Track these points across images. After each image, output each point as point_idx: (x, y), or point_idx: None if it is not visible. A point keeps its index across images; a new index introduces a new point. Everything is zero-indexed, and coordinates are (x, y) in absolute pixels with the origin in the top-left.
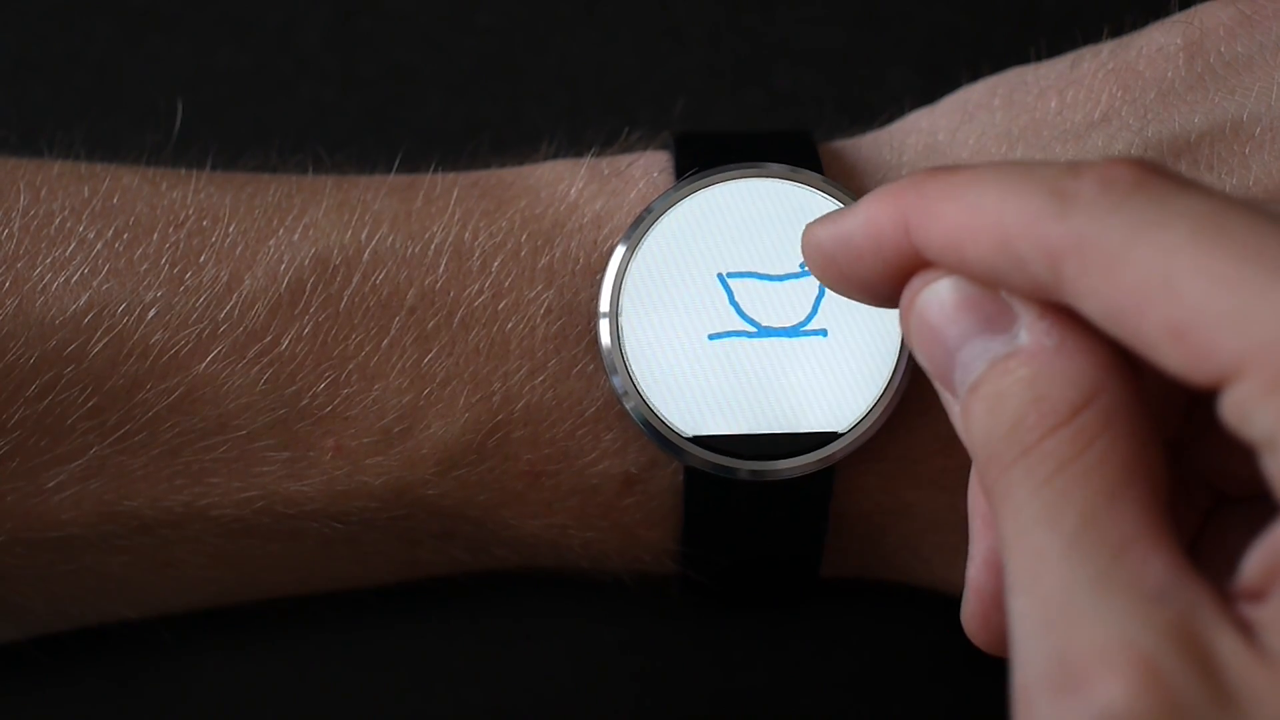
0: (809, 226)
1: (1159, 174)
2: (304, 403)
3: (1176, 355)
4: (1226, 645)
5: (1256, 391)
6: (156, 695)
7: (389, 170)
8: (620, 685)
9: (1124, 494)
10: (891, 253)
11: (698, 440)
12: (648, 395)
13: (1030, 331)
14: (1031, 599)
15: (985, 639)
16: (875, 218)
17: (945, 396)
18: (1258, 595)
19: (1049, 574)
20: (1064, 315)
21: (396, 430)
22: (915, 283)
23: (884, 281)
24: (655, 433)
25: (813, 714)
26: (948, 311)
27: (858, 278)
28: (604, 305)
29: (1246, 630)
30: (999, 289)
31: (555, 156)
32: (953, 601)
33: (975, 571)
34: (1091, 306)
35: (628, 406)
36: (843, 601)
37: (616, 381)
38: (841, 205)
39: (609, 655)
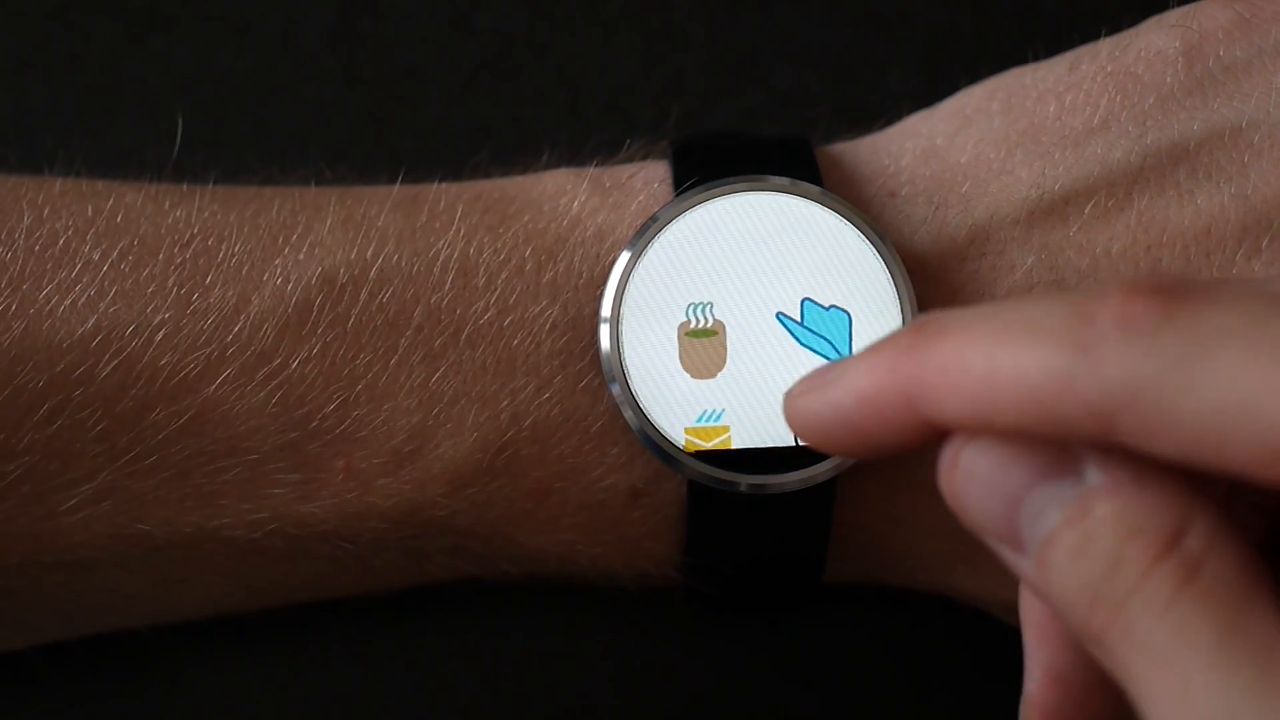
0: (793, 398)
1: (1176, 294)
2: (314, 424)
3: (1277, 474)
4: None
5: None
6: (158, 697)
7: (391, 177)
8: (622, 690)
9: (1252, 601)
10: (898, 423)
11: (698, 454)
12: (647, 409)
13: (1100, 470)
14: (1186, 715)
15: None
16: (871, 394)
17: (1005, 553)
18: None
19: (1199, 693)
20: (1120, 454)
21: (406, 450)
22: (955, 442)
23: (896, 445)
24: (655, 447)
25: (813, 713)
26: (1001, 466)
27: (863, 446)
28: (605, 311)
29: None
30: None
31: (557, 160)
32: (953, 606)
33: (1037, 686)
34: (1161, 448)
35: (626, 416)
36: (844, 606)
37: (615, 389)
38: (840, 217)
39: (611, 661)
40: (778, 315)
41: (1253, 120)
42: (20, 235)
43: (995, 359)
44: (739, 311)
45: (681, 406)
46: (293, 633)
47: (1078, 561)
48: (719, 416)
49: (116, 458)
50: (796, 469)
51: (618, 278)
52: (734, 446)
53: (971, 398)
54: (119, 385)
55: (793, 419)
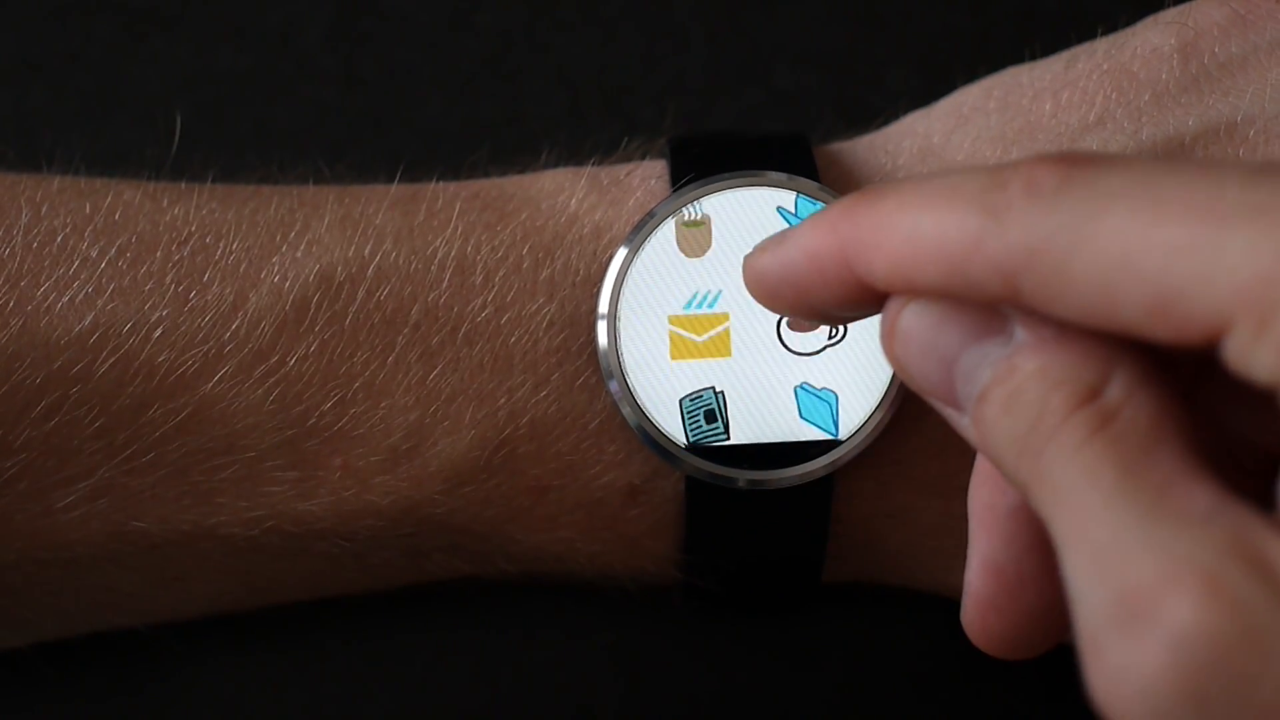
0: (748, 257)
1: (1078, 161)
2: (311, 422)
3: (1163, 330)
4: None
5: (1247, 338)
6: (157, 696)
7: (390, 176)
8: (622, 690)
9: (1158, 445)
10: (838, 281)
11: (696, 450)
12: (645, 406)
13: (1026, 327)
14: (1081, 551)
15: (986, 641)
16: (814, 251)
17: (948, 412)
18: None
19: (1095, 524)
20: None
21: (403, 448)
22: (892, 305)
23: (837, 306)
24: (653, 442)
25: (813, 713)
26: (933, 328)
27: (807, 306)
28: (603, 307)
29: None
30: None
31: (556, 158)
32: (951, 605)
33: (974, 575)
34: (1061, 310)
35: (624, 413)
36: (843, 606)
37: (613, 386)
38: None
39: (610, 659)
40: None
41: (1248, 116)
42: (18, 232)
43: (917, 221)
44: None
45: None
46: (292, 632)
47: (1007, 415)
48: (714, 301)
49: (114, 455)
50: (794, 464)
51: (615, 274)
52: (731, 442)
53: (896, 258)
54: (116, 382)
55: (748, 276)
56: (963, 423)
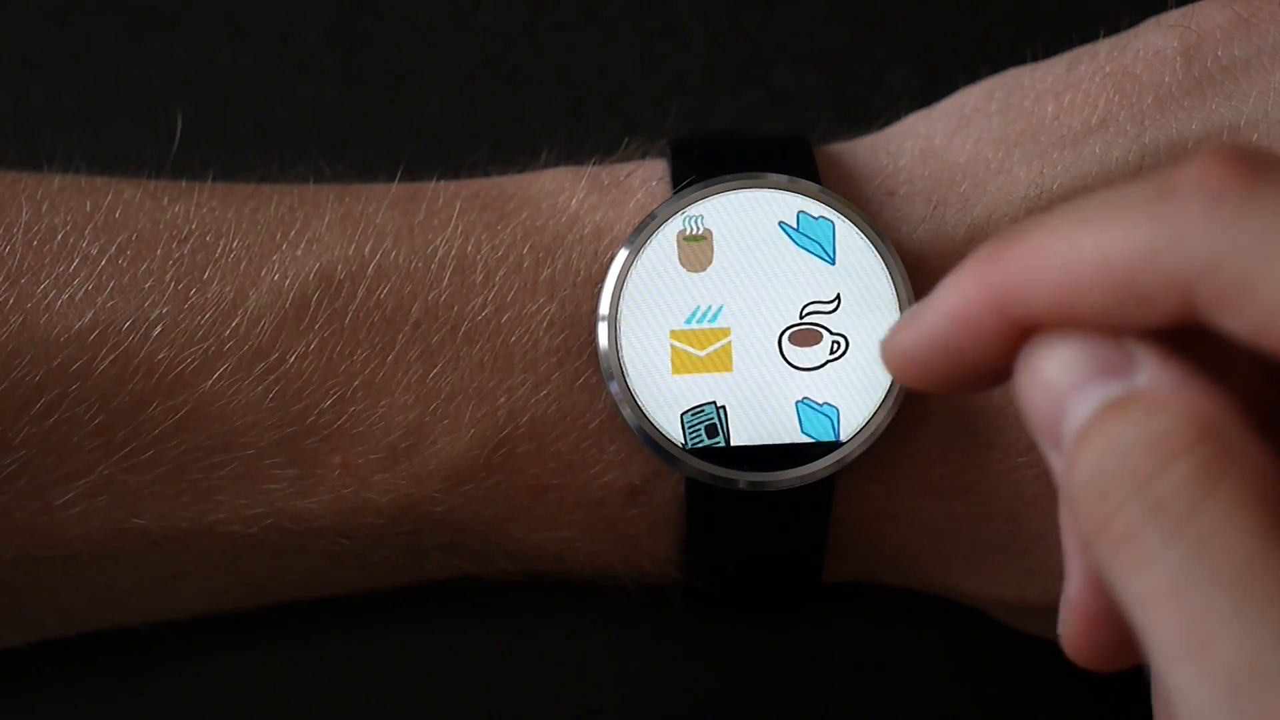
0: (888, 341)
1: (1260, 165)
2: (311, 420)
3: None
4: None
5: None
6: (157, 695)
7: (390, 176)
8: (621, 690)
9: (1276, 538)
10: (993, 334)
11: (696, 451)
12: (645, 407)
13: (1149, 375)
14: (1204, 667)
15: (1091, 658)
16: (960, 309)
17: (1050, 455)
18: None
19: (1222, 638)
20: (1186, 359)
21: (403, 447)
22: (1027, 349)
23: (995, 360)
24: (654, 444)
25: (813, 714)
26: (1062, 365)
27: (959, 374)
28: (603, 308)
29: None
30: (1117, 336)
31: (556, 159)
32: (952, 606)
33: (1077, 591)
34: (1236, 326)
35: (625, 414)
36: (843, 606)
37: (613, 387)
38: (839, 215)
39: (610, 660)
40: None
41: (1250, 120)
42: (18, 230)
43: (1077, 241)
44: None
45: (679, 403)
46: (292, 632)
47: (1099, 457)
48: (715, 316)
49: (113, 452)
50: (795, 466)
51: (615, 276)
52: (732, 443)
53: (1056, 286)
54: (116, 380)
55: (890, 359)
56: (1057, 462)
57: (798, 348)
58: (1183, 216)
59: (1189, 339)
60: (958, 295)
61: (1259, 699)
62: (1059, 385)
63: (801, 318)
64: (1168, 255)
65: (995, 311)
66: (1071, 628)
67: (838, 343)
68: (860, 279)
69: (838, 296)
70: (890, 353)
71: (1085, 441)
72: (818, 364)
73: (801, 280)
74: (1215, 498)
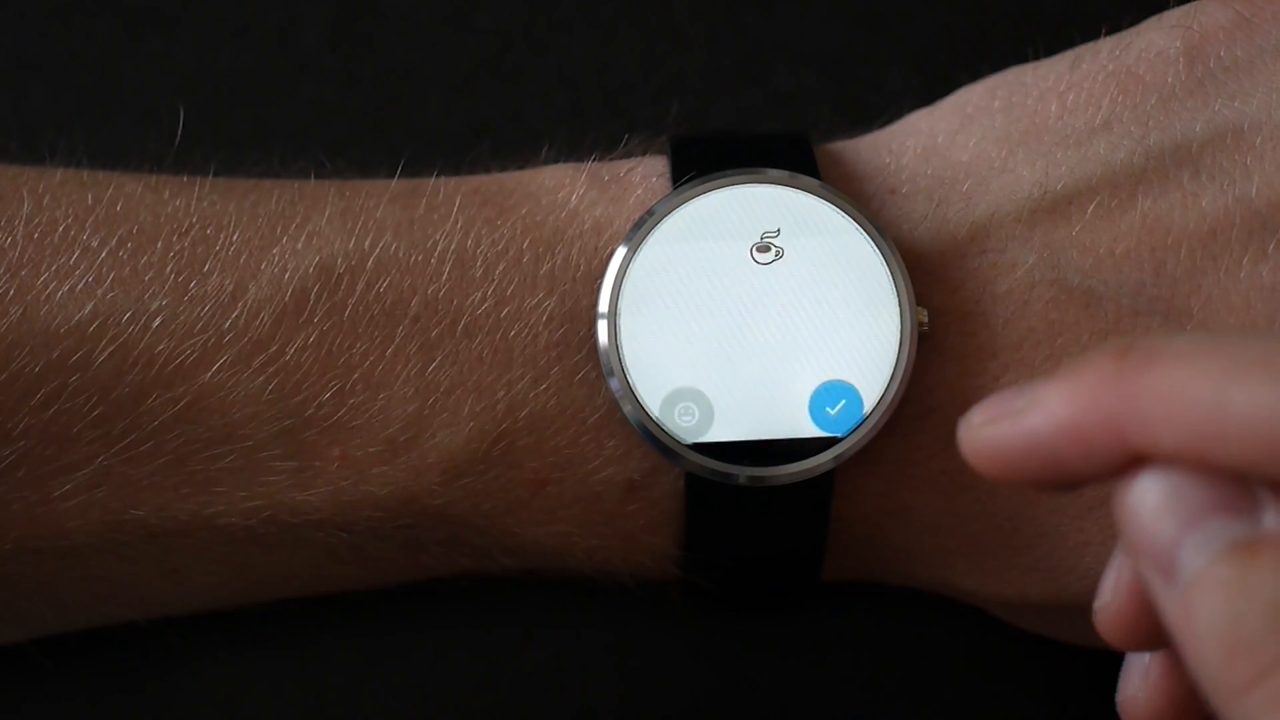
0: (975, 427)
1: None
2: (309, 412)
3: None
4: None
5: None
6: (156, 694)
7: (391, 174)
8: (621, 688)
9: None
10: (1104, 453)
11: (696, 446)
12: (645, 401)
13: (1277, 517)
14: None
15: (1128, 642)
16: (1074, 425)
17: (1155, 584)
18: None
19: None
20: None
21: (402, 440)
22: (1143, 471)
23: (1094, 474)
24: (654, 439)
25: (813, 714)
26: (1179, 496)
27: (1048, 479)
28: (603, 306)
29: None
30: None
31: (556, 158)
32: (953, 604)
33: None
34: None
35: (625, 411)
36: (843, 605)
37: (614, 384)
38: (840, 211)
39: (609, 658)
40: None
41: (1254, 121)
42: (20, 222)
43: (1225, 393)
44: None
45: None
46: (292, 631)
47: (1227, 604)
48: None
49: (112, 444)
50: (795, 461)
51: (615, 272)
52: (733, 439)
53: (1194, 431)
54: (115, 371)
55: (977, 450)
56: (1168, 596)
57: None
58: None
59: None
60: (1073, 409)
61: None
62: (1177, 517)
63: None
64: None
65: (1114, 435)
66: (1114, 607)
67: None
68: (860, 275)
69: None
70: (976, 444)
71: (1214, 584)
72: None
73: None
74: None
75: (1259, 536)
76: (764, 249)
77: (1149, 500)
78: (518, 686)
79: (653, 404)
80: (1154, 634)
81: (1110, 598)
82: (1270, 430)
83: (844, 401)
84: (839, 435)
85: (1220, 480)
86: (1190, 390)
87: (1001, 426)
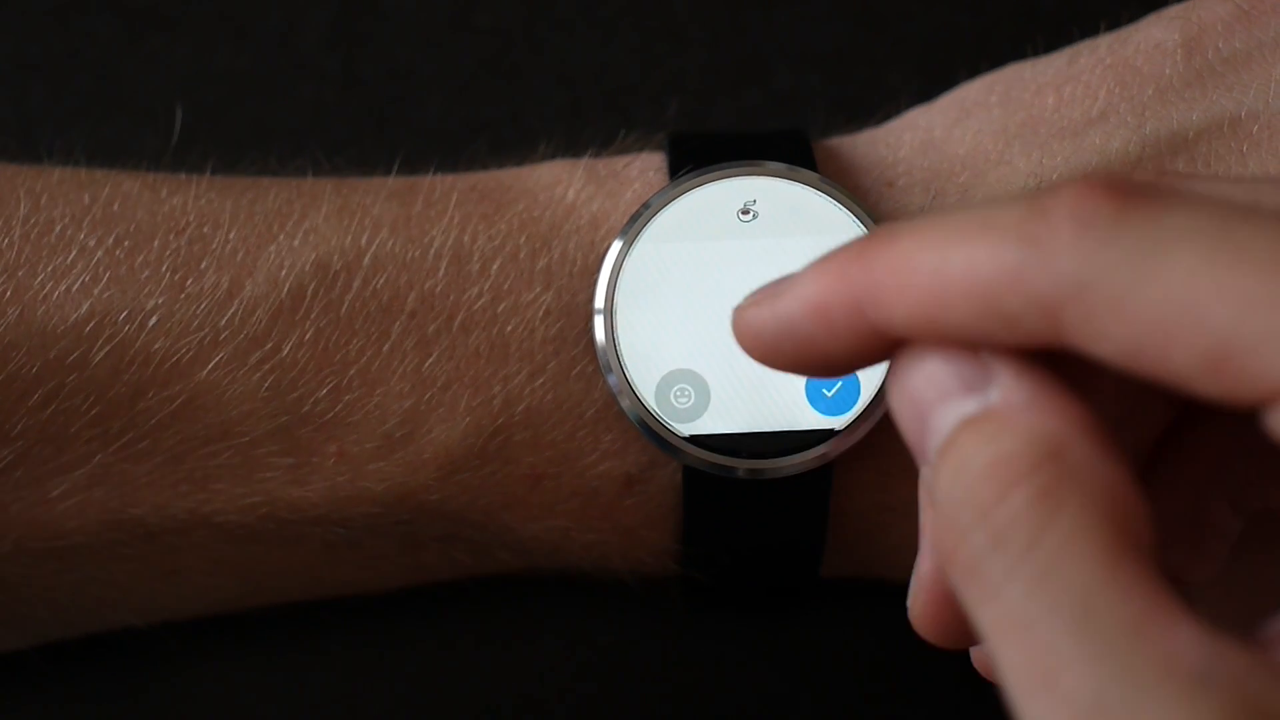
0: (739, 310)
1: (1134, 192)
2: (306, 409)
3: (1214, 384)
4: None
5: None
6: (156, 700)
7: (388, 172)
8: (621, 686)
9: (1120, 564)
10: (849, 332)
11: (694, 440)
12: (643, 395)
13: (1002, 390)
14: (1052, 702)
15: (938, 635)
16: (821, 302)
17: (922, 469)
18: None
19: (1067, 671)
20: (1042, 371)
21: (398, 435)
22: (896, 359)
23: (846, 358)
24: (652, 433)
25: (813, 713)
26: (925, 377)
27: (811, 360)
28: (599, 301)
29: None
30: (981, 349)
31: (554, 153)
32: None
33: (927, 572)
34: (1104, 349)
35: (623, 405)
36: (843, 601)
37: (611, 380)
38: (838, 204)
39: (609, 656)
40: None
41: (1251, 111)
42: (17, 222)
43: (946, 255)
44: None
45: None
46: (291, 636)
47: (952, 478)
48: (716, 401)
49: (109, 443)
50: (794, 453)
51: (610, 266)
52: (731, 431)
53: (922, 298)
54: (112, 370)
55: (741, 333)
56: (924, 485)
57: None
58: (1054, 239)
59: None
60: (819, 287)
61: None
62: (923, 399)
63: None
64: (1036, 277)
65: (855, 313)
66: (920, 605)
67: None
68: None
69: None
70: (741, 325)
71: (941, 461)
72: None
73: (795, 262)
74: (1056, 526)
75: (984, 410)
76: (745, 211)
77: (902, 384)
78: (517, 689)
79: (649, 390)
80: (965, 629)
81: (922, 600)
82: (984, 290)
83: (840, 383)
84: (837, 418)
85: (959, 356)
86: (915, 260)
87: (762, 308)
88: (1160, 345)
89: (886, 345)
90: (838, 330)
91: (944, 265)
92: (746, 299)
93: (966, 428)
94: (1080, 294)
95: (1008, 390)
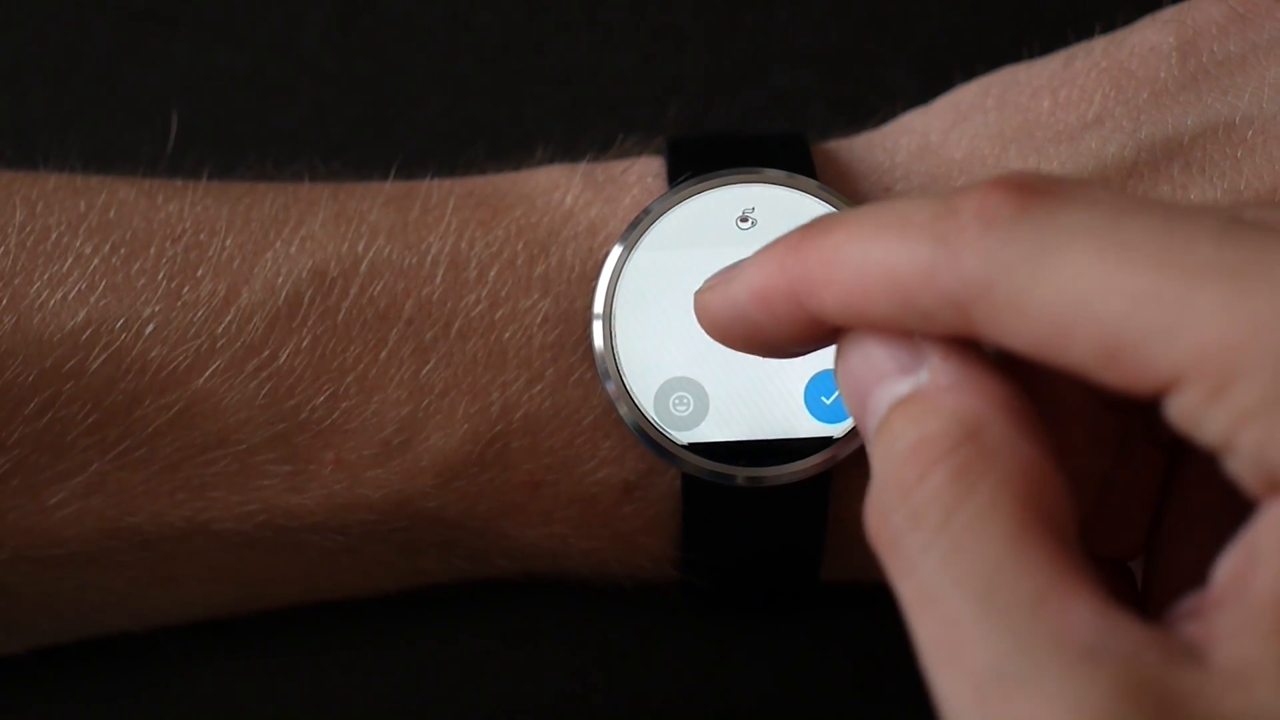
0: (699, 294)
1: (1035, 191)
2: (303, 416)
3: (1112, 374)
4: (1182, 680)
5: (1199, 399)
6: (156, 703)
7: (386, 174)
8: (620, 691)
9: (1027, 540)
10: (789, 319)
11: (693, 447)
12: (641, 402)
13: (931, 371)
14: (956, 673)
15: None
16: (761, 290)
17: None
18: (1218, 604)
19: (969, 644)
20: (970, 353)
21: (396, 442)
22: (842, 340)
23: (791, 342)
24: (650, 440)
25: (813, 716)
26: (863, 359)
27: (761, 343)
28: (598, 308)
29: (1195, 655)
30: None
31: (553, 159)
32: None
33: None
34: (1012, 343)
35: (622, 412)
36: (843, 606)
37: (610, 387)
38: (837, 210)
39: (609, 661)
40: None
41: (1246, 115)
42: (12, 230)
43: (868, 252)
44: None
45: (675, 399)
46: (290, 639)
47: (883, 458)
48: (714, 409)
49: (107, 450)
50: (792, 461)
51: (610, 273)
52: (729, 439)
53: (847, 291)
54: (109, 378)
55: (699, 315)
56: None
57: None
58: (960, 238)
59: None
60: (759, 277)
61: (1003, 706)
62: (863, 380)
63: None
64: (945, 275)
65: (793, 299)
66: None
67: None
68: None
69: None
70: (698, 308)
71: (875, 441)
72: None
73: None
74: (969, 504)
75: (914, 391)
76: (743, 219)
77: (845, 366)
78: (516, 690)
79: (647, 398)
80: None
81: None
82: (901, 286)
83: (838, 391)
84: (836, 424)
85: (895, 339)
86: (841, 254)
87: (715, 293)
88: (1060, 340)
89: (828, 330)
90: (780, 316)
91: (866, 260)
92: (706, 282)
93: (897, 409)
94: (984, 293)
95: (935, 372)
